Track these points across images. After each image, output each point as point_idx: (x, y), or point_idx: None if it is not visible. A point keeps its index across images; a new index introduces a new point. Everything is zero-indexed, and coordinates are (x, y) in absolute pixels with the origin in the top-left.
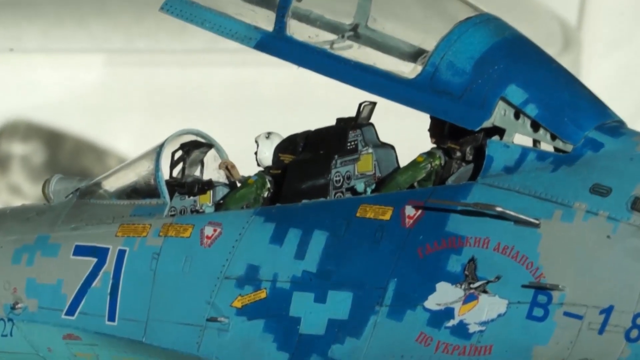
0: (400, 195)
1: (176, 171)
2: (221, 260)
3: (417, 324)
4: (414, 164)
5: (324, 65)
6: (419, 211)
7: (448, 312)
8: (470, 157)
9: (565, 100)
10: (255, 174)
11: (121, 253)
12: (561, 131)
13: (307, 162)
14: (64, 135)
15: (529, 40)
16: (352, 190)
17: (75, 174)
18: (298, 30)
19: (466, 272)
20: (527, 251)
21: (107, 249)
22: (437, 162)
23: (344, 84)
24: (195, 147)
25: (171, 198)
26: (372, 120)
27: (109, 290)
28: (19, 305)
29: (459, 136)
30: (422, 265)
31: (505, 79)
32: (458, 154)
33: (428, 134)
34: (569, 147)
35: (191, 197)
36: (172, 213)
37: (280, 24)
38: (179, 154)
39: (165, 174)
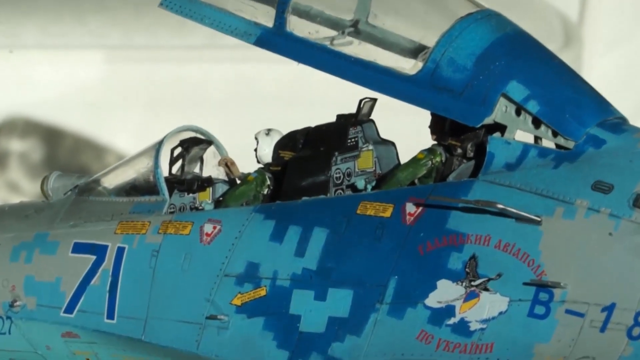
0: (400, 192)
1: (175, 168)
2: (221, 258)
3: (417, 321)
4: (414, 160)
5: (324, 62)
6: (420, 208)
7: (449, 310)
8: (471, 154)
9: (566, 97)
10: (255, 171)
11: (120, 250)
12: (563, 128)
13: (307, 159)
14: (62, 131)
15: (531, 37)
16: (353, 187)
17: (74, 170)
18: (298, 27)
19: (467, 270)
20: (528, 248)
21: (106, 247)
22: (437, 159)
23: (344, 80)
24: (194, 144)
25: (170, 195)
26: (372, 117)
27: (108, 288)
28: (18, 303)
29: (460, 133)
30: (423, 262)
31: (506, 76)
32: (459, 150)
33: (429, 130)
34: (570, 144)
35: (190, 194)
36: (172, 210)
37: (280, 20)
38: (178, 150)
39: (164, 170)
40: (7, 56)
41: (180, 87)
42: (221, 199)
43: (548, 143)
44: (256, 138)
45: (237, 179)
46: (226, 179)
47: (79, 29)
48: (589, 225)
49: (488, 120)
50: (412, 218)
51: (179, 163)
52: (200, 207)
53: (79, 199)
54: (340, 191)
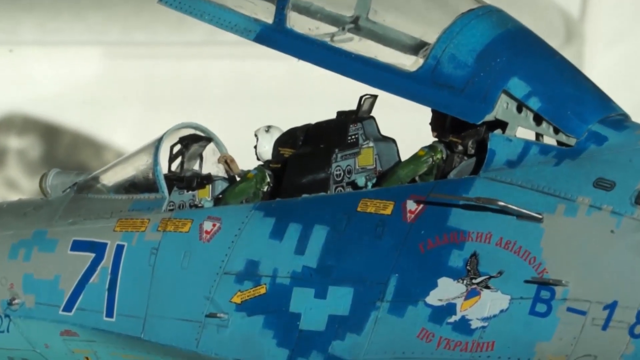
0: (401, 190)
1: (175, 165)
2: (220, 256)
3: (418, 319)
4: (415, 157)
5: (324, 58)
6: (421, 206)
7: (450, 308)
8: (472, 151)
9: (568, 93)
10: (255, 168)
11: (119, 248)
12: (564, 124)
13: (307, 156)
14: (61, 129)
15: (532, 33)
16: (353, 184)
17: (73, 168)
18: (298, 23)
19: (468, 267)
20: (529, 246)
21: (105, 244)
22: (438, 156)
23: (344, 77)
24: (194, 141)
25: (170, 192)
26: (373, 114)
27: (107, 286)
28: (16, 301)
29: (461, 130)
30: (424, 260)
31: (507, 72)
32: (460, 147)
33: (429, 127)
34: (572, 141)
35: (190, 192)
36: (171, 208)
37: (280, 16)
38: (177, 147)
39: (163, 168)
40: (5, 54)
41: (179, 84)
42: (221, 196)
43: (549, 140)
44: (256, 135)
45: (236, 176)
46: (226, 176)
47: (77, 25)
48: (590, 222)
49: (489, 117)
50: (412, 215)
51: (178, 160)
52: (199, 205)
53: (78, 197)
54: (340, 188)
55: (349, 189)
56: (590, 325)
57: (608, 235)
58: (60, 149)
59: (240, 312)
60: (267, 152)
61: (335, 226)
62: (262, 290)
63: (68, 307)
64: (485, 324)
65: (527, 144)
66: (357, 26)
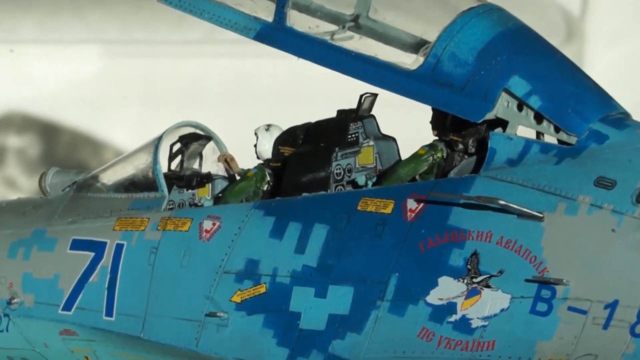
0: (401, 189)
1: (174, 164)
2: (220, 255)
3: (419, 319)
4: (415, 156)
5: (324, 57)
6: (421, 204)
7: (450, 307)
8: (473, 150)
9: (569, 92)
10: (255, 167)
11: (119, 247)
12: (565, 123)
13: (307, 154)
14: (60, 127)
15: (533, 31)
16: (353, 183)
17: (72, 167)
18: (298, 21)
19: (469, 266)
20: (530, 245)
21: (105, 243)
22: (439, 154)
23: (344, 75)
24: (193, 140)
25: (169, 191)
26: (373, 112)
27: (106, 285)
28: (15, 301)
29: (462, 128)
30: (424, 259)
31: (508, 70)
32: (460, 146)
33: (430, 126)
34: (573, 140)
35: (190, 191)
36: (171, 206)
37: (280, 14)
38: (177, 146)
39: (163, 166)
40: (4, 51)
41: (179, 83)
42: (220, 195)
43: (550, 139)
44: (256, 134)
45: (236, 175)
46: (225, 175)
47: (76, 23)
48: (591, 221)
49: (490, 116)
50: (413, 214)
51: (178, 159)
52: (199, 204)
53: (77, 196)
54: (340, 187)
55: (349, 188)
56: (591, 324)
57: (609, 234)
58: (60, 147)
59: (240, 311)
60: (267, 150)
61: (335, 225)
62: (262, 290)
63: (67, 307)
64: (486, 323)
65: (528, 142)
66: (357, 24)
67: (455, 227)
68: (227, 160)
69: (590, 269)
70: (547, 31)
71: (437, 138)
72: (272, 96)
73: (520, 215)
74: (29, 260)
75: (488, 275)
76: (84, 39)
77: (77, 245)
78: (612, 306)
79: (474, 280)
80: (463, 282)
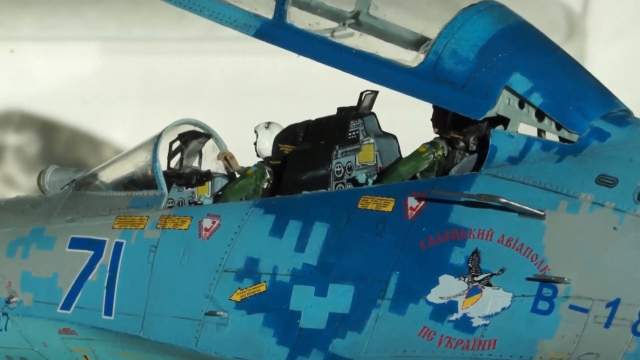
0: (402, 187)
1: (174, 162)
2: (220, 253)
3: (419, 317)
4: (416, 154)
5: (324, 54)
6: (422, 202)
7: (451, 306)
8: (474, 147)
9: (570, 89)
10: (255, 165)
11: (118, 246)
12: (566, 120)
13: (307, 152)
14: (59, 125)
15: (534, 28)
16: (354, 181)
17: (71, 165)
18: (298, 18)
19: (470, 265)
20: (532, 243)
21: (104, 242)
22: (440, 152)
23: (345, 72)
24: (193, 138)
25: (169, 189)
26: (373, 110)
27: (105, 284)
28: (14, 299)
29: (462, 126)
30: (425, 257)
31: (509, 68)
32: (461, 144)
33: (431, 123)
34: (574, 137)
35: (189, 189)
36: (170, 205)
37: (280, 11)
38: (176, 144)
39: (162, 164)
40: (3, 50)
41: (178, 80)
42: (220, 193)
43: (552, 136)
44: (256, 131)
45: (236, 173)
46: (225, 173)
47: (75, 20)
48: (593, 219)
49: (491, 113)
50: (413, 212)
51: (177, 157)
52: (199, 202)
53: (76, 194)
54: (341, 185)
55: (349, 186)
56: (592, 323)
57: (611, 232)
58: (59, 145)
59: (240, 310)
60: (267, 148)
61: (335, 223)
62: (262, 288)
63: (66, 305)
64: (487, 322)
65: (529, 140)
66: (357, 21)
67: (456, 225)
68: (226, 158)
69: (592, 267)
70: (548, 28)
71: (438, 136)
72: (272, 94)
73: (522, 213)
74: (28, 258)
75: (489, 274)
76: (83, 36)
77: (76, 243)
78: (614, 305)
79: (475, 278)
80: (464, 280)
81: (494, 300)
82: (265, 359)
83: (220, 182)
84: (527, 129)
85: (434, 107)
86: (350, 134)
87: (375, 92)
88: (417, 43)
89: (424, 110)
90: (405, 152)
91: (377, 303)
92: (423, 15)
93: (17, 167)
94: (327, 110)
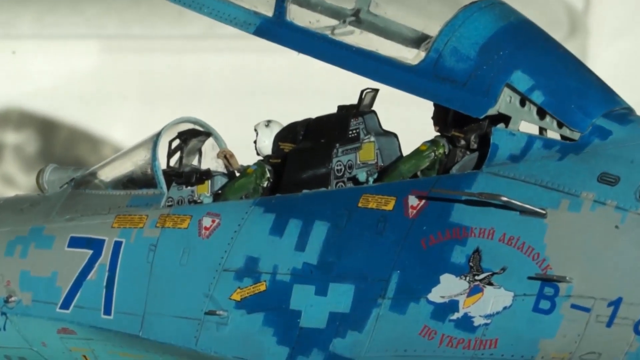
0: (403, 185)
1: (173, 160)
2: (220, 252)
3: (420, 317)
4: (417, 152)
5: (325, 52)
6: (423, 201)
7: (452, 305)
8: (475, 146)
9: (572, 87)
10: (255, 163)
11: (117, 245)
12: (568, 119)
13: (307, 150)
14: (58, 123)
15: (535, 26)
16: (354, 179)
17: (70, 163)
18: (298, 16)
19: (471, 264)
20: (533, 242)
21: (103, 241)
22: (440, 150)
23: (345, 70)
24: (193, 136)
25: (168, 188)
26: (374, 108)
27: (104, 283)
28: (13, 299)
29: (464, 124)
30: (426, 256)
31: (510, 65)
32: (462, 142)
33: (431, 121)
34: (576, 135)
35: (189, 187)
36: (170, 203)
37: (280, 9)
38: (176, 142)
39: (162, 163)
40: (3, 49)
41: (178, 78)
42: (220, 192)
43: (553, 134)
44: (255, 130)
45: (236, 172)
46: (225, 171)
47: (74, 18)
48: (595, 218)
49: (492, 111)
50: (414, 211)
51: (177, 155)
52: (198, 201)
53: (75, 192)
54: (341, 184)
55: (349, 185)
56: (594, 322)
57: (612, 230)
58: (58, 144)
59: (239, 309)
60: (267, 147)
61: (336, 222)
62: (262, 287)
63: (65, 305)
64: (488, 321)
65: (531, 138)
66: (358, 19)
67: (457, 224)
68: (226, 156)
69: (594, 266)
70: (550, 26)
71: (438, 134)
72: (272, 92)
73: (523, 211)
74: (27, 258)
75: (490, 273)
76: (82, 34)
77: (75, 242)
78: (616, 304)
79: (476, 277)
80: (465, 279)
81: (495, 299)
82: (265, 358)
83: (220, 181)
84: (529, 127)
85: (434, 105)
86: (350, 132)
87: (376, 90)
88: (417, 41)
89: (425, 108)
90: (406, 151)
91: (377, 302)
92: (424, 12)
93: (16, 165)
94: (327, 108)
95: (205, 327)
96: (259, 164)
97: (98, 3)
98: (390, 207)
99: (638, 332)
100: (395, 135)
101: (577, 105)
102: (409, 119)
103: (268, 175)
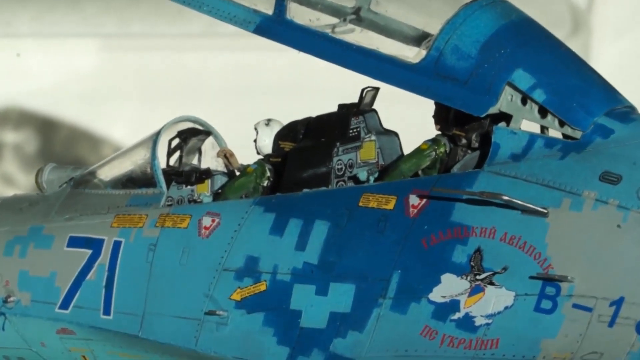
0: (404, 184)
1: (173, 159)
2: (220, 252)
3: (421, 317)
4: (418, 151)
5: (325, 50)
6: (424, 200)
7: (453, 305)
8: (476, 144)
9: (574, 85)
10: (255, 162)
11: (117, 244)
12: (570, 117)
13: (308, 149)
14: (57, 122)
15: (537, 24)
16: (355, 178)
17: (69, 162)
18: (298, 14)
19: (472, 263)
20: (534, 241)
21: (102, 240)
22: (442, 149)
23: (346, 69)
24: (192, 135)
25: (168, 187)
26: (375, 107)
27: (104, 283)
28: (12, 299)
29: (465, 123)
30: (427, 256)
31: (512, 64)
32: (463, 141)
33: (432, 120)
34: (577, 134)
35: (189, 187)
36: (169, 203)
37: (280, 7)
38: (176, 141)
39: (162, 162)
40: (1, 47)
41: (178, 77)
42: (220, 191)
43: (555, 133)
44: (256, 129)
45: (236, 171)
46: (225, 170)
47: (74, 16)
48: (596, 217)
49: (493, 110)
50: (415, 210)
51: (176, 154)
52: (198, 200)
53: (75, 192)
54: (342, 183)
55: (350, 184)
56: (596, 321)
57: (614, 229)
58: (57, 143)
59: (240, 309)
60: (267, 145)
61: (336, 221)
62: (262, 287)
63: (64, 305)
64: (490, 321)
65: (532, 137)
66: (358, 17)
67: (459, 223)
68: (226, 155)
69: (596, 266)
70: (552, 23)
71: (440, 132)
72: (272, 90)
73: (525, 211)
74: (26, 257)
75: (492, 272)
76: (81, 32)
77: (74, 242)
78: (618, 303)
79: (478, 277)
80: (466, 279)
81: (496, 299)
82: (265, 358)
83: (220, 180)
84: (530, 126)
85: (435, 103)
86: (351, 131)
87: (377, 89)
88: (418, 39)
89: (426, 106)
90: (407, 150)
91: (378, 302)
92: (425, 10)
93: (15, 165)
94: (327, 107)
95: (205, 327)
96: (259, 163)
97: (97, 2)
98: (391, 206)
99: None
100: (396, 134)
101: (579, 103)
102: (409, 118)
103: (268, 174)
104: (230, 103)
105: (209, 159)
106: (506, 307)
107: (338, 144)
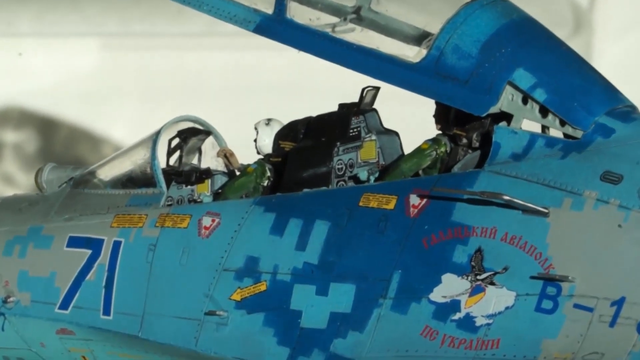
0: (404, 184)
1: (173, 159)
2: (220, 252)
3: (422, 317)
4: (418, 151)
5: (325, 49)
6: (424, 200)
7: (454, 305)
8: (477, 144)
9: (575, 85)
10: (255, 162)
11: (116, 244)
12: (571, 117)
13: (308, 149)
14: (57, 122)
15: (538, 23)
16: (355, 178)
17: (69, 162)
18: (299, 13)
19: (473, 263)
20: (535, 241)
21: (102, 241)
22: (442, 149)
23: (346, 68)
24: (192, 135)
25: (168, 187)
26: (375, 106)
27: (103, 283)
28: (11, 299)
29: (465, 122)
30: (427, 256)
31: (512, 63)
32: (464, 140)
33: (433, 120)
34: (578, 133)
35: (189, 186)
36: (169, 203)
37: (280, 6)
38: (176, 141)
39: (161, 162)
40: (1, 46)
41: (178, 76)
42: (220, 191)
43: (556, 132)
44: (256, 128)
45: (236, 171)
46: (225, 170)
47: (74, 16)
48: (597, 216)
49: (494, 109)
50: (416, 210)
51: (176, 154)
52: (198, 200)
53: (74, 192)
54: (342, 183)
55: (350, 183)
56: (597, 322)
57: (615, 229)
58: (57, 142)
59: (240, 309)
60: (267, 145)
61: (336, 221)
62: (263, 287)
63: (64, 305)
64: (490, 321)
65: (533, 136)
66: (359, 16)
67: (459, 223)
68: (226, 155)
69: (597, 266)
70: (554, 23)
71: (440, 132)
72: (272, 90)
73: (525, 210)
74: (25, 258)
75: (492, 272)
76: (82, 32)
77: (73, 242)
78: (619, 303)
79: (478, 277)
80: (467, 279)
81: (497, 299)
82: (265, 359)
83: (220, 180)
84: (531, 125)
85: (436, 103)
86: (351, 130)
87: (377, 88)
88: (419, 38)
89: (427, 106)
90: (408, 149)
91: (378, 302)
92: (425, 10)
93: (15, 164)
94: (328, 106)
95: (205, 327)
96: (259, 162)
97: (98, 1)
98: (391, 206)
99: None
100: (396, 134)
101: (580, 103)
102: (410, 117)
103: (268, 174)
104: (231, 102)
105: (209, 158)
106: (507, 307)
107: (338, 143)
